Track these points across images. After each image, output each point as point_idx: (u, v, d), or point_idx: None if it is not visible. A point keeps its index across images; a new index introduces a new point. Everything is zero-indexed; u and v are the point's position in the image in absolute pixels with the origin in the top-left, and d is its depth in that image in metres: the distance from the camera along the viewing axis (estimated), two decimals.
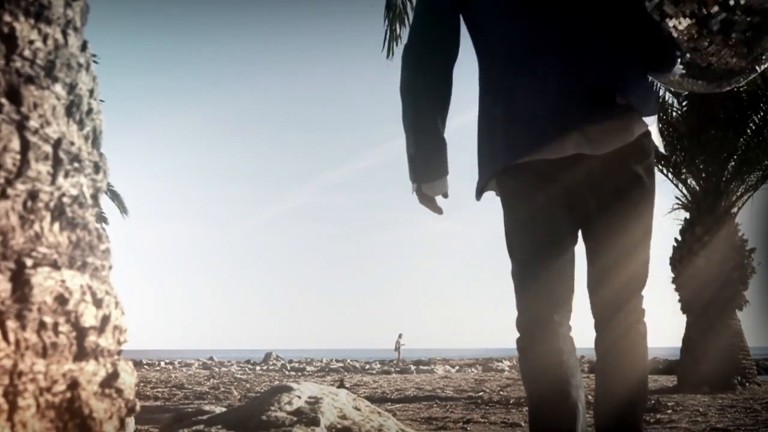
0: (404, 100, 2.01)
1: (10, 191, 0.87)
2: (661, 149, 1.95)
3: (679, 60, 1.83)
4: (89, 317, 0.98)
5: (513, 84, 1.86)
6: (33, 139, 0.91)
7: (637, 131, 1.84)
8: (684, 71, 1.85)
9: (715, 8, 1.71)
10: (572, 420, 1.81)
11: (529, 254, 1.93)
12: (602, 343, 1.96)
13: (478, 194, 2.01)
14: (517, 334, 1.94)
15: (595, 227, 1.92)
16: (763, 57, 1.80)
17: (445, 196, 2.06)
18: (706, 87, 1.90)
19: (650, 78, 1.94)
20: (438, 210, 2.07)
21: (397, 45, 7.13)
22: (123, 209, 13.10)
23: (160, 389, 9.77)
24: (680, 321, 9.99)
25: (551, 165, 1.83)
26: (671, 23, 1.74)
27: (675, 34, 1.76)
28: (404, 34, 7.07)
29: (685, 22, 1.74)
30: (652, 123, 1.86)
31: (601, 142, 1.81)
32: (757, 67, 1.82)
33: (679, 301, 9.91)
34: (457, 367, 21.02)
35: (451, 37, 1.95)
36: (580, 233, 1.98)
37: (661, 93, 10.02)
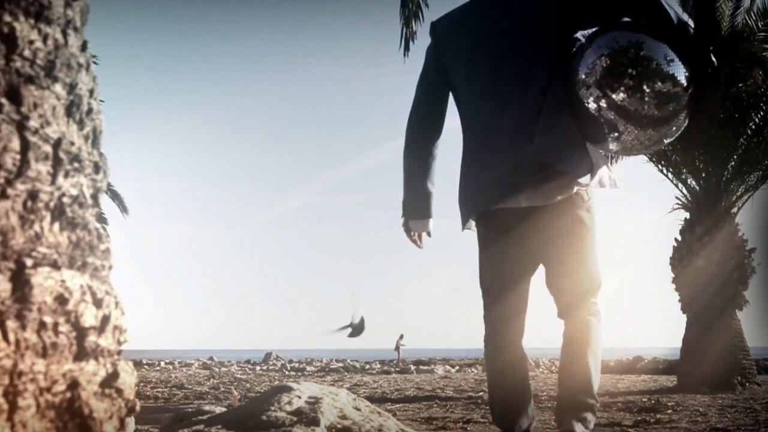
0: (404, 158, 2.64)
1: (10, 191, 0.87)
2: (610, 186, 2.49)
3: (607, 132, 2.30)
4: (89, 317, 0.98)
5: (483, 152, 2.47)
6: (33, 139, 0.91)
7: (575, 186, 2.41)
8: (618, 136, 2.30)
9: (637, 93, 2.22)
10: (524, 405, 2.51)
11: (494, 283, 2.56)
12: (566, 332, 2.52)
13: (463, 227, 2.60)
14: (484, 347, 2.60)
15: (550, 254, 2.51)
16: (681, 109, 2.26)
17: (429, 234, 2.71)
18: (643, 142, 2.31)
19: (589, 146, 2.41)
20: (418, 245, 2.72)
21: (413, 42, 6.99)
22: (123, 209, 13.11)
23: (160, 389, 9.76)
24: (680, 321, 10.00)
25: (512, 213, 2.45)
26: (600, 95, 2.25)
27: (612, 105, 2.24)
28: (419, 31, 6.96)
29: (612, 93, 2.24)
30: (597, 173, 2.40)
31: (548, 195, 2.41)
32: (681, 116, 2.27)
33: (679, 301, 9.90)
34: (457, 367, 21.01)
35: (440, 114, 2.60)
36: (538, 261, 2.56)
37: None
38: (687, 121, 2.31)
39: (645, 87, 2.19)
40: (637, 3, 2.29)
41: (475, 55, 2.47)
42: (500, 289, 2.54)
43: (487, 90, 2.44)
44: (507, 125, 2.39)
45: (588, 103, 2.27)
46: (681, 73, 2.22)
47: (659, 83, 2.19)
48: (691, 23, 2.32)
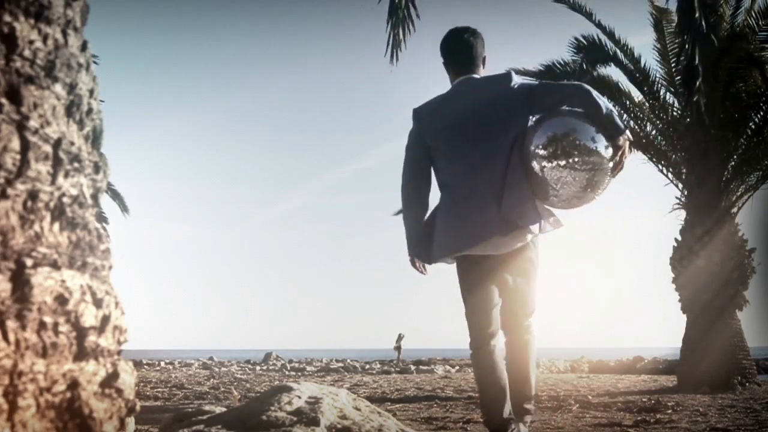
0: (403, 211, 3.39)
1: (10, 191, 0.87)
2: (554, 228, 3.24)
3: (551, 190, 3.12)
4: (89, 317, 0.98)
5: (459, 207, 3.19)
6: (33, 139, 0.91)
7: (529, 237, 3.21)
8: (556, 195, 3.15)
9: (571, 162, 3.10)
10: (502, 394, 3.21)
11: (471, 303, 3.30)
12: (508, 346, 3.34)
13: (432, 262, 3.37)
14: (470, 350, 3.33)
15: (505, 285, 3.29)
16: (601, 170, 3.11)
17: (429, 263, 3.43)
18: (577, 196, 3.14)
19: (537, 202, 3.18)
20: (423, 273, 3.47)
21: (400, 50, 7.02)
22: (124, 209, 13.11)
23: (160, 389, 9.76)
24: (680, 321, 9.99)
25: (479, 256, 3.23)
26: (546, 165, 3.09)
27: (550, 172, 3.09)
28: (408, 39, 6.98)
29: (554, 164, 3.10)
30: (543, 224, 3.21)
31: (507, 245, 3.20)
32: (603, 176, 3.11)
33: (679, 301, 9.90)
34: (457, 367, 21.01)
35: (426, 174, 3.35)
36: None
37: (662, 93, 10.07)
38: (609, 180, 3.15)
39: (576, 158, 3.07)
40: (576, 99, 3.14)
41: (454, 130, 3.24)
42: (475, 306, 3.29)
43: (463, 158, 3.20)
44: (478, 187, 3.14)
45: (537, 168, 3.09)
46: (602, 146, 3.09)
47: (585, 155, 3.06)
48: (614, 113, 3.17)
